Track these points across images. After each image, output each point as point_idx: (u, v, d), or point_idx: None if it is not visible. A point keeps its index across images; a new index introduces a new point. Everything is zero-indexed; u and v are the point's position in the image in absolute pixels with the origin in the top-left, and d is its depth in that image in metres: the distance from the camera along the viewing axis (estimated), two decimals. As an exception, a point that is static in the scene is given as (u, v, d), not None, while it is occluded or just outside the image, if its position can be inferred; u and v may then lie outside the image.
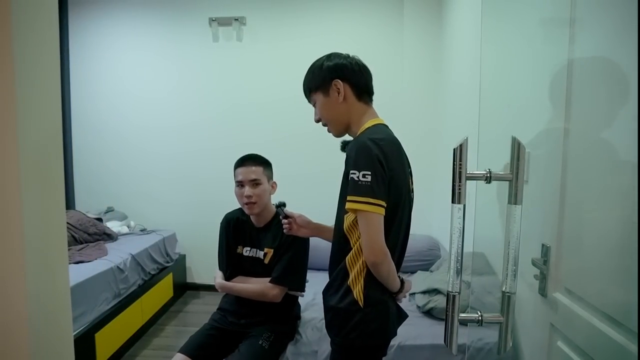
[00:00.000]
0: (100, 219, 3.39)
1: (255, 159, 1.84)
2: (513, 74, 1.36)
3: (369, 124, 1.27)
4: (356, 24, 3.59)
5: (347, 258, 1.24)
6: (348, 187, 1.17)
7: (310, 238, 1.73)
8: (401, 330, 1.38)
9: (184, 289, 3.84)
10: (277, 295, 1.78)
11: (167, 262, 3.49)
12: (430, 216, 3.35)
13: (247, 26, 3.67)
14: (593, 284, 0.88)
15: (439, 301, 2.10)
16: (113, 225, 3.48)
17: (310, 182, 3.60)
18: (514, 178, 0.77)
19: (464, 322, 0.82)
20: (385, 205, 1.15)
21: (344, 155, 1.27)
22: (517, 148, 0.77)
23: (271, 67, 3.66)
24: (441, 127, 3.29)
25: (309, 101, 1.38)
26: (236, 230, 1.92)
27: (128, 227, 3.63)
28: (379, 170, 1.14)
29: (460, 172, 0.76)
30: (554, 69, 1.03)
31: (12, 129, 0.96)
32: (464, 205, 0.77)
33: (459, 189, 0.76)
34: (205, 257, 3.54)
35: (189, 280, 3.91)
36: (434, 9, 3.32)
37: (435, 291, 2.16)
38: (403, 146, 1.29)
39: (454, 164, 0.76)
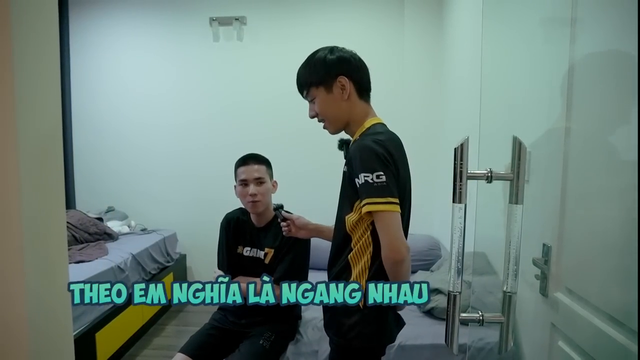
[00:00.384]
0: (100, 219, 3.39)
1: (257, 158, 1.84)
2: (514, 74, 1.35)
3: (368, 123, 1.27)
4: (357, 24, 3.59)
5: (349, 258, 1.23)
6: (360, 191, 1.15)
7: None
8: (402, 329, 1.38)
9: (185, 288, 3.84)
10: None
11: (168, 262, 3.49)
12: (431, 216, 3.34)
13: (247, 26, 3.67)
14: (594, 283, 0.88)
15: (440, 301, 2.10)
16: (113, 225, 3.48)
17: (310, 182, 3.60)
18: (515, 177, 0.77)
19: (464, 322, 0.82)
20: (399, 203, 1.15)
21: (342, 154, 1.26)
22: (518, 148, 0.77)
23: (272, 66, 3.65)
24: (442, 127, 3.29)
25: (305, 97, 1.31)
26: (236, 230, 1.92)
27: (128, 226, 3.63)
28: (389, 169, 1.14)
29: (461, 172, 0.76)
30: (555, 69, 1.03)
31: (12, 128, 0.96)
32: (465, 205, 0.77)
33: (460, 189, 0.76)
34: (206, 257, 3.52)
35: (189, 279, 3.91)
36: (435, 9, 3.32)
37: (436, 291, 2.16)
38: (404, 145, 1.28)
39: (455, 164, 0.76)
